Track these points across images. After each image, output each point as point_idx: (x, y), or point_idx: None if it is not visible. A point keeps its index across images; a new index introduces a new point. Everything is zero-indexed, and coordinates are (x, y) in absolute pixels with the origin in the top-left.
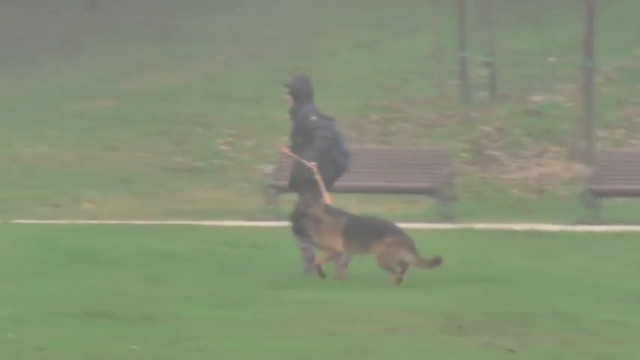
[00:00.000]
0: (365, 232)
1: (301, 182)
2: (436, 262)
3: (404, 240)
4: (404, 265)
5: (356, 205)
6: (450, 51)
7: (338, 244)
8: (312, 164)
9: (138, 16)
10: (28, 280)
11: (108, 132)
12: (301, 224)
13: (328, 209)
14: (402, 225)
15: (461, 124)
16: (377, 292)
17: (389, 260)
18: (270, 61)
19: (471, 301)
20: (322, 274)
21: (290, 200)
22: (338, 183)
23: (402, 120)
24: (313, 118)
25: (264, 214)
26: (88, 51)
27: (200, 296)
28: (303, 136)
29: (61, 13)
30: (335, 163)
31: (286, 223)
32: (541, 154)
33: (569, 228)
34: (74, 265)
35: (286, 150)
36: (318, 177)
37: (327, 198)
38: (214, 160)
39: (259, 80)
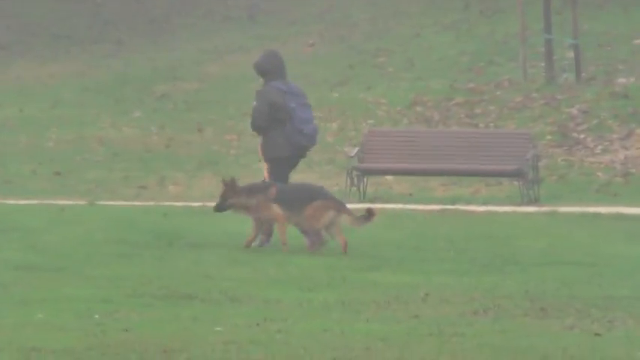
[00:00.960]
0: (296, 198)
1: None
2: (369, 215)
3: (333, 202)
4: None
5: (440, 188)
6: (535, 33)
7: (277, 210)
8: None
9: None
10: (115, 261)
11: (193, 114)
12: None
13: (250, 189)
14: (485, 208)
15: (546, 106)
16: (461, 275)
17: (317, 222)
18: (355, 43)
19: (556, 284)
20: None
21: (374, 183)
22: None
23: (487, 102)
24: (254, 103)
25: (348, 196)
26: (173, 33)
27: (284, 278)
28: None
29: None
30: (290, 140)
31: (371, 205)
32: (627, 137)
33: None
34: (160, 247)
35: None
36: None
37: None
38: None
39: (344, 62)
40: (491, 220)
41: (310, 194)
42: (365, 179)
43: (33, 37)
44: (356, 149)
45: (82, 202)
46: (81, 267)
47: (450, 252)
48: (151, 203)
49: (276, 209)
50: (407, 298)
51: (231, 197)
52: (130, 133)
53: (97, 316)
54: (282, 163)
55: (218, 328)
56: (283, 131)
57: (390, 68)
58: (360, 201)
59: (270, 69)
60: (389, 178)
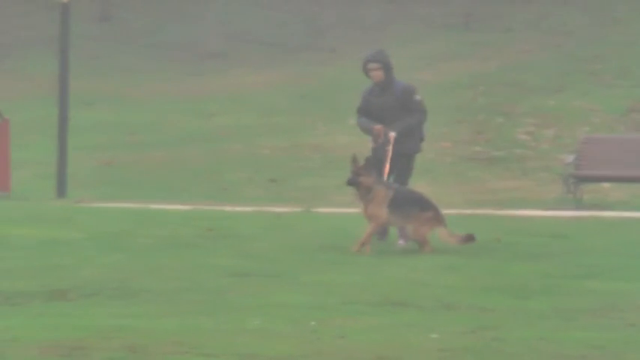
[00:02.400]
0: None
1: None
2: (467, 239)
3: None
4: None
5: None
6: None
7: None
8: (391, 134)
9: (439, 6)
10: (329, 268)
11: None
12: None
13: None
14: None
15: None
16: None
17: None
18: (570, 50)
19: None
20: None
21: (591, 190)
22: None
23: None
24: (418, 97)
25: (564, 203)
26: (388, 40)
27: (498, 285)
28: (403, 111)
29: (361, 4)
30: (422, 139)
31: (587, 213)
32: None
33: None
34: (373, 254)
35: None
36: (389, 147)
37: (387, 170)
38: (514, 149)
39: (560, 69)
40: None
41: (421, 204)
42: (581, 186)
43: (248, 45)
44: (572, 156)
45: (297, 209)
46: (296, 274)
47: None
48: None
49: (384, 211)
50: (623, 307)
51: (362, 175)
52: (345, 141)
53: (312, 323)
54: (415, 159)
55: (433, 336)
56: (419, 131)
57: (605, 75)
58: (577, 208)
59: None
60: (605, 185)
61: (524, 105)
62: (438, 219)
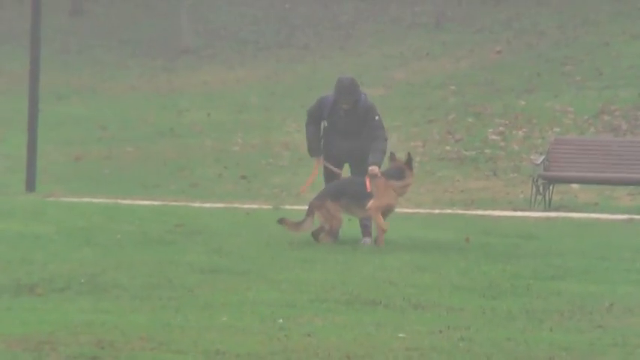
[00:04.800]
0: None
1: None
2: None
3: None
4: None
5: (626, 198)
6: None
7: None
8: (372, 169)
9: (411, 6)
10: (299, 266)
11: None
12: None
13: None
14: None
15: None
16: None
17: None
18: (542, 51)
19: None
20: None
21: (560, 191)
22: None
23: None
24: (377, 117)
25: (534, 204)
26: (359, 39)
27: (467, 285)
28: (365, 128)
29: (333, 2)
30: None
31: (556, 214)
32: None
33: None
34: (343, 252)
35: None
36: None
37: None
38: (485, 149)
39: (531, 70)
40: None
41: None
42: (551, 187)
43: (221, 41)
44: (542, 157)
45: (267, 206)
46: (265, 271)
47: (635, 262)
48: None
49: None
50: (591, 308)
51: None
52: None
53: (280, 321)
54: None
55: (401, 335)
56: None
57: (577, 77)
58: (546, 209)
59: None
60: (575, 186)
61: (495, 105)
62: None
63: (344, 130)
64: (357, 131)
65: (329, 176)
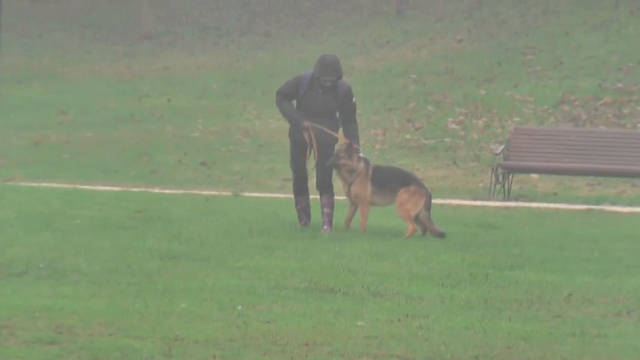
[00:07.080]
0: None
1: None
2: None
3: (426, 190)
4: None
5: (585, 188)
6: None
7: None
8: (355, 147)
9: None
10: (258, 253)
11: None
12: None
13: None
14: (631, 209)
15: None
16: (605, 275)
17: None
18: (503, 40)
19: None
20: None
21: (519, 181)
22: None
23: (636, 103)
24: (354, 99)
25: (493, 193)
26: (321, 26)
27: (426, 274)
28: (339, 110)
29: None
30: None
31: (515, 203)
32: None
33: None
34: (303, 239)
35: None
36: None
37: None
38: (444, 138)
39: (491, 59)
40: (636, 221)
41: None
42: (510, 177)
43: (182, 27)
44: (502, 147)
45: (226, 193)
46: (224, 257)
47: (594, 252)
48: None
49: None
50: (549, 298)
51: (342, 158)
52: (276, 126)
53: (239, 307)
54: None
55: (360, 323)
56: None
57: (537, 66)
58: (505, 198)
59: None
60: (534, 176)
61: (455, 94)
62: (422, 194)
63: (318, 110)
64: (331, 111)
65: (296, 151)
